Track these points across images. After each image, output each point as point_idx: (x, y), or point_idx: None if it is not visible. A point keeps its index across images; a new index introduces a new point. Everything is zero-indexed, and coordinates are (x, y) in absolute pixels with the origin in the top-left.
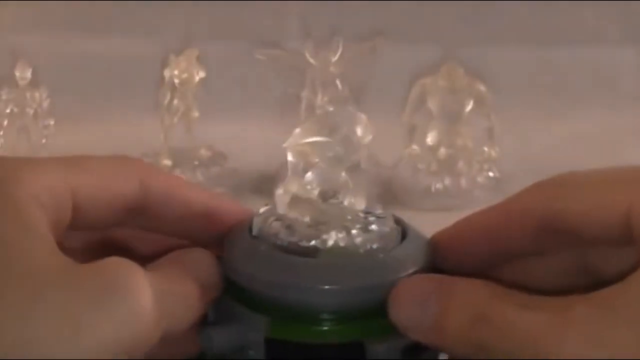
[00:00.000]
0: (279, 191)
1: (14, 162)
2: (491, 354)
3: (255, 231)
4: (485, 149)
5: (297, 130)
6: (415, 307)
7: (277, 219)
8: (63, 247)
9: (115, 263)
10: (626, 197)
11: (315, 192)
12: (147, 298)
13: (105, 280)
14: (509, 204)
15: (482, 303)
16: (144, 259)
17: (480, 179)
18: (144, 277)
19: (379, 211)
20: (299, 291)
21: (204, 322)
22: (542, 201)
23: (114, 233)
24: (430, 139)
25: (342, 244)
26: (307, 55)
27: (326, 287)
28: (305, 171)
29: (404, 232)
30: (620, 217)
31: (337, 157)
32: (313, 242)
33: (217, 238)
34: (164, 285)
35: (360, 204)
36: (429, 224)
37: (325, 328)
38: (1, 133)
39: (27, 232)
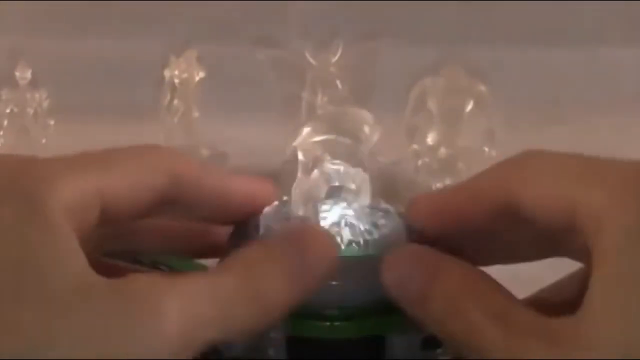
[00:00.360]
0: (296, 191)
1: (46, 165)
2: (457, 347)
3: (262, 231)
4: (485, 149)
5: (306, 129)
6: (402, 279)
7: (286, 219)
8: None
9: (146, 284)
10: (571, 196)
11: (324, 189)
12: (174, 321)
13: (133, 306)
14: (471, 182)
15: (457, 295)
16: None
17: None
18: (172, 296)
19: (383, 205)
20: (319, 288)
21: None
22: (499, 182)
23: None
24: (430, 139)
25: (356, 240)
26: (307, 55)
27: (347, 283)
28: (312, 169)
29: (409, 225)
30: (565, 215)
31: (345, 155)
32: None
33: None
34: (201, 306)
35: (365, 200)
36: None
37: (346, 324)
38: (1, 133)
39: (57, 248)
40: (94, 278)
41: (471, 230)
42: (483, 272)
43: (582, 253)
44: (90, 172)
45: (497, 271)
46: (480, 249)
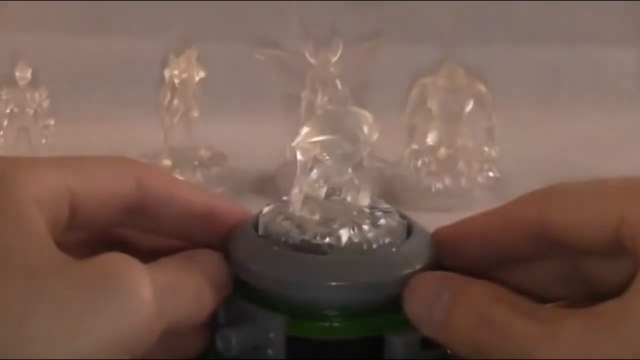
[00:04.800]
0: (295, 190)
1: (14, 161)
2: (490, 356)
3: (261, 231)
4: (485, 149)
5: (305, 128)
6: (427, 304)
7: (285, 218)
8: (62, 247)
9: (113, 258)
10: (617, 210)
11: (323, 190)
12: (146, 292)
13: (103, 276)
14: (505, 210)
15: (487, 306)
16: (144, 259)
17: (480, 179)
18: (143, 270)
19: (384, 205)
20: (318, 289)
21: (215, 324)
22: (536, 210)
23: (113, 233)
24: (430, 139)
25: (355, 240)
26: (307, 55)
27: (345, 283)
28: (311, 169)
29: (409, 225)
30: (611, 229)
31: (345, 155)
32: (327, 240)
33: (216, 239)
34: (168, 279)
35: (365, 200)
36: (429, 224)
37: (346, 324)
38: (1, 133)
39: (25, 230)
40: (65, 257)
41: (498, 259)
42: (498, 285)
43: (612, 277)
44: (58, 171)
45: None
46: (513, 276)
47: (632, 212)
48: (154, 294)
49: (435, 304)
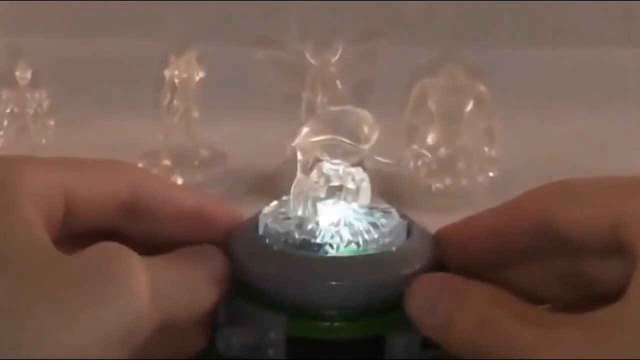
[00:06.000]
0: (296, 190)
1: (10, 159)
2: (489, 358)
3: (262, 231)
4: (485, 149)
5: (306, 128)
6: (429, 305)
7: (286, 218)
8: (58, 246)
9: (105, 248)
10: (615, 209)
11: (324, 189)
12: (141, 281)
13: (95, 268)
14: (509, 206)
15: (488, 309)
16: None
17: (480, 179)
18: (136, 259)
19: (383, 205)
20: (319, 288)
21: (215, 324)
22: (539, 207)
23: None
24: (430, 139)
25: (355, 239)
26: (307, 55)
27: (346, 283)
28: (312, 169)
29: (409, 225)
30: (608, 228)
31: (345, 154)
32: (327, 239)
33: (209, 241)
34: (166, 272)
35: (365, 200)
36: (429, 224)
37: (346, 324)
38: (1, 133)
39: (20, 226)
40: (60, 253)
41: (502, 257)
42: (506, 292)
43: (611, 277)
44: (55, 169)
45: None
46: (515, 276)
47: (629, 212)
48: (149, 284)
49: (436, 306)
